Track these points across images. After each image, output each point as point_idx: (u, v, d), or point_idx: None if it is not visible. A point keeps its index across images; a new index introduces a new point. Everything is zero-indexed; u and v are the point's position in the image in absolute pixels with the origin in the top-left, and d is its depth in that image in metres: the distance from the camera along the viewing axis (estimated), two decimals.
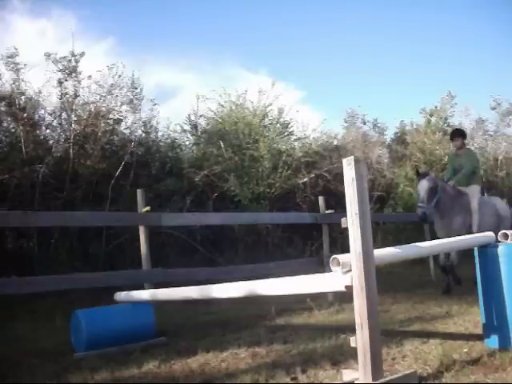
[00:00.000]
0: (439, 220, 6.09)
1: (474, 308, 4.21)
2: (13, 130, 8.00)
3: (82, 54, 8.38)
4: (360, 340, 2.38)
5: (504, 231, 3.26)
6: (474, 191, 6.34)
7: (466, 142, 6.84)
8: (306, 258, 7.67)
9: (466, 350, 3.13)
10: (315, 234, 8.20)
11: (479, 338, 3.30)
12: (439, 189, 5.86)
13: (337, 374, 2.77)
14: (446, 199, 5.99)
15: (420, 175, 5.98)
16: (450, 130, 15.16)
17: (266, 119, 10.29)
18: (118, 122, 8.91)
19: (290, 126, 10.59)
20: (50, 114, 8.43)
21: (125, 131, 9.15)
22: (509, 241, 3.17)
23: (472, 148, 14.83)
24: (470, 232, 5.84)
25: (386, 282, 5.50)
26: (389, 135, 15.22)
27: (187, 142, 10.50)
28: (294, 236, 9.12)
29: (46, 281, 4.63)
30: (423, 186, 5.81)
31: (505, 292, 3.04)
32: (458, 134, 6.83)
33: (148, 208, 4.88)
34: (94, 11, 18.29)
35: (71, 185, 7.83)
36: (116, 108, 8.86)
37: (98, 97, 8.63)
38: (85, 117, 8.40)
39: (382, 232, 10.02)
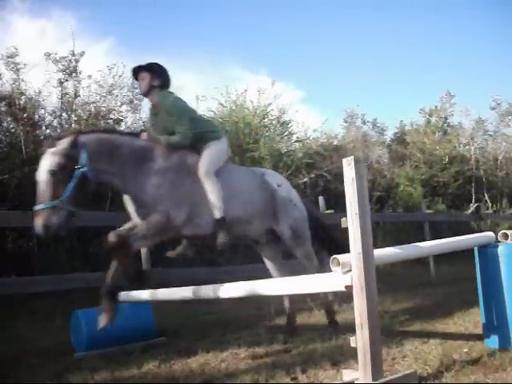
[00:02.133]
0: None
1: (474, 308, 4.21)
2: (13, 130, 7.98)
3: (82, 54, 8.38)
4: (360, 340, 2.38)
5: (504, 231, 3.25)
6: (206, 150, 3.81)
7: (158, 82, 3.70)
8: None
9: (466, 349, 3.12)
10: None
11: (479, 337, 3.30)
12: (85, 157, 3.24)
13: (337, 374, 2.77)
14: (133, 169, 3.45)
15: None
16: (449, 129, 15.23)
17: (266, 119, 10.29)
18: (118, 122, 8.90)
19: (290, 126, 10.59)
20: (50, 114, 8.42)
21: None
22: (509, 241, 3.17)
23: (473, 148, 14.86)
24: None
25: (386, 281, 5.48)
26: (388, 135, 15.26)
27: None
28: None
29: (45, 281, 4.64)
30: (42, 168, 3.18)
31: (505, 292, 3.03)
32: (145, 67, 3.75)
33: None
34: (94, 12, 18.34)
35: None
36: (116, 108, 8.86)
37: (98, 97, 8.63)
38: (85, 117, 8.38)
39: (381, 232, 10.01)
